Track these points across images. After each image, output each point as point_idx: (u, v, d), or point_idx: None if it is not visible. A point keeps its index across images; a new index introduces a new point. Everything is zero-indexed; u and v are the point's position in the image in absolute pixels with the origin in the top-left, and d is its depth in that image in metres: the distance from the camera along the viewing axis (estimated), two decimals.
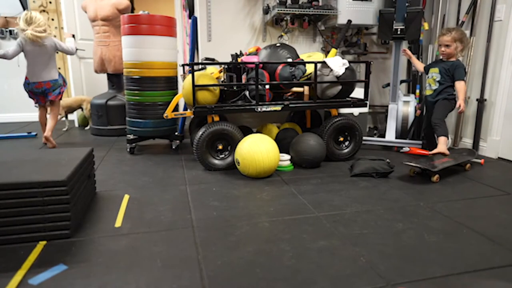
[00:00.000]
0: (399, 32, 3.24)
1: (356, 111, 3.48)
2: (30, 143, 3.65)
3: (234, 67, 2.81)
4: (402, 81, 3.66)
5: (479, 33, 3.24)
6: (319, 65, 2.83)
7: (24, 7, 4.82)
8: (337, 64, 2.80)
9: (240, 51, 3.17)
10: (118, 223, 1.79)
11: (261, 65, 2.71)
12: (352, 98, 3.04)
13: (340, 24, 3.58)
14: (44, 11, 4.94)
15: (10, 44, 4.90)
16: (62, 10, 4.41)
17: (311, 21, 3.78)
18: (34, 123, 4.74)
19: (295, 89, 2.97)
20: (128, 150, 3.20)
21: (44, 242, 1.58)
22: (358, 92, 3.23)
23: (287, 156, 2.73)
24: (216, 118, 2.74)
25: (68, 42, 3.68)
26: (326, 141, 2.85)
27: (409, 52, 3.19)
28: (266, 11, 3.65)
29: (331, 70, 2.79)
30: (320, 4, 3.70)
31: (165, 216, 1.87)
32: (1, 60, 4.92)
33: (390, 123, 3.44)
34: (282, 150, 2.90)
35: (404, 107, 3.50)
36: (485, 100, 3.21)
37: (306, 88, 2.94)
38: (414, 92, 3.74)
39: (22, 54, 3.27)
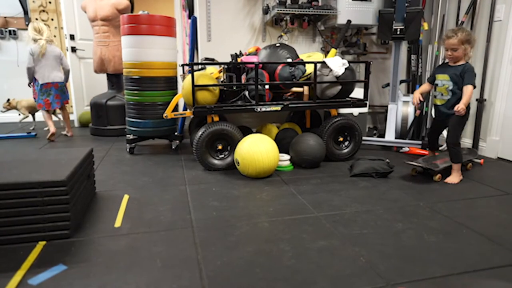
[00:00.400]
0: (398, 32, 3.24)
1: (355, 111, 3.48)
2: (30, 143, 3.65)
3: (234, 67, 2.81)
4: (401, 81, 3.66)
5: (478, 33, 3.24)
6: (318, 65, 2.83)
7: (24, 7, 4.81)
8: (337, 64, 2.80)
9: (240, 51, 3.17)
10: (118, 223, 1.79)
11: (260, 65, 2.71)
12: (351, 98, 3.04)
13: (339, 24, 3.58)
14: (43, 11, 4.94)
15: (10, 44, 4.90)
16: (61, 10, 4.42)
17: (311, 21, 3.78)
18: (34, 123, 4.74)
19: (294, 89, 2.97)
20: (128, 150, 3.20)
21: (43, 242, 1.58)
22: (357, 92, 3.23)
23: (286, 156, 2.73)
24: (216, 118, 2.74)
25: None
26: (326, 141, 2.85)
27: (414, 98, 2.64)
28: (266, 11, 3.65)
29: (331, 70, 2.80)
30: (320, 4, 3.70)
31: (165, 216, 1.87)
32: (0, 60, 4.93)
33: (389, 123, 3.44)
34: (281, 150, 2.90)
35: (404, 107, 3.50)
36: (485, 100, 3.21)
37: (306, 88, 2.94)
38: (413, 92, 3.74)
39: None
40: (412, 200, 2.12)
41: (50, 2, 4.93)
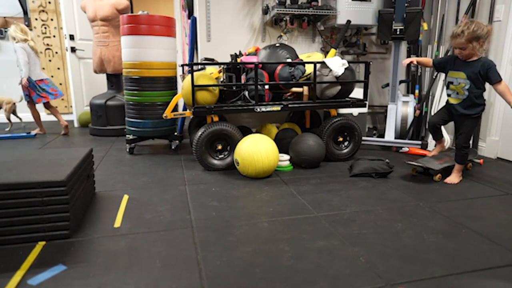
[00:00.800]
0: (398, 33, 3.24)
1: (355, 111, 3.48)
2: (30, 143, 3.65)
3: (234, 67, 2.81)
4: (401, 81, 3.66)
5: None
6: (318, 65, 2.83)
7: (23, 7, 4.81)
8: (337, 64, 2.80)
9: (240, 51, 3.17)
10: (117, 223, 1.79)
11: (260, 65, 2.71)
12: (351, 98, 3.04)
13: (339, 24, 3.58)
14: (43, 11, 4.94)
15: (9, 44, 4.89)
16: (61, 10, 4.41)
17: (311, 21, 3.78)
18: (33, 123, 4.73)
19: (294, 89, 2.97)
20: (128, 150, 3.20)
21: (43, 243, 1.58)
22: (357, 92, 3.24)
23: (286, 156, 2.73)
24: (216, 118, 2.73)
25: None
26: (326, 141, 2.85)
27: (409, 59, 2.56)
28: (266, 11, 3.65)
29: (331, 70, 2.80)
30: (319, 4, 3.71)
31: (164, 216, 1.87)
32: (0, 61, 4.93)
33: (389, 123, 3.44)
34: (281, 150, 2.90)
35: (403, 107, 3.50)
36: (484, 100, 3.20)
37: (306, 88, 2.94)
38: (413, 92, 3.74)
39: (17, 56, 3.83)
40: (411, 200, 2.12)
41: (49, 2, 4.93)
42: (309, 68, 2.90)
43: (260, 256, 1.48)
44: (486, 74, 2.22)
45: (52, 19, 5.00)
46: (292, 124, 3.25)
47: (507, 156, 3.05)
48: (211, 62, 3.06)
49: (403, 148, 3.32)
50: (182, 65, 3.40)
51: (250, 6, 3.73)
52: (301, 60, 2.90)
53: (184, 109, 3.52)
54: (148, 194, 2.19)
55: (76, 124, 4.71)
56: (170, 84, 3.16)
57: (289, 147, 2.82)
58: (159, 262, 1.44)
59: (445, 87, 2.48)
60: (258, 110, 2.70)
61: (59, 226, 1.59)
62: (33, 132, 4.05)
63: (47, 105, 4.12)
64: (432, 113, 3.52)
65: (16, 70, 4.93)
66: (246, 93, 2.77)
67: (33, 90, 3.88)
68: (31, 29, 4.92)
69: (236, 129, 2.67)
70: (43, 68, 5.06)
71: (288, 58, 2.82)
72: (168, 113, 2.88)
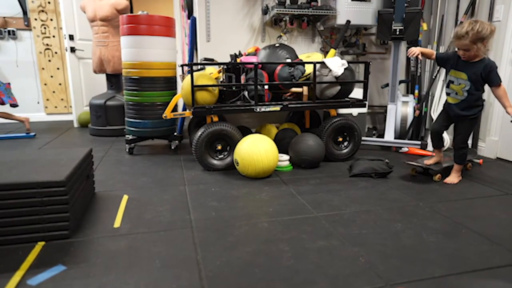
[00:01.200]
0: (398, 33, 3.24)
1: (355, 111, 3.48)
2: (30, 143, 3.65)
3: (233, 68, 2.81)
4: (401, 82, 3.66)
5: None
6: (318, 66, 2.83)
7: (23, 7, 4.81)
8: (336, 64, 2.80)
9: (239, 52, 3.17)
10: (117, 223, 1.79)
11: (260, 65, 2.71)
12: (351, 98, 3.04)
13: (339, 25, 3.58)
14: (42, 11, 4.94)
15: (9, 44, 4.89)
16: (60, 10, 4.41)
17: (310, 21, 3.78)
18: (34, 123, 4.73)
19: (294, 89, 2.97)
20: (127, 150, 3.20)
21: (43, 243, 1.57)
22: (357, 93, 3.24)
23: (286, 157, 2.73)
24: (215, 119, 2.73)
25: None
26: (325, 141, 2.85)
27: (414, 49, 2.41)
28: (265, 11, 3.65)
29: (330, 70, 2.80)
30: (319, 4, 3.71)
31: (164, 216, 1.87)
32: (0, 61, 4.92)
33: (389, 123, 3.44)
34: (281, 150, 2.90)
35: (403, 107, 3.50)
36: (484, 100, 3.20)
37: (305, 88, 2.94)
38: (413, 93, 3.74)
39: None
40: (411, 200, 2.12)
41: (49, 2, 4.92)
42: (308, 68, 2.90)
43: (260, 256, 1.48)
44: (488, 76, 2.21)
45: (51, 19, 4.99)
46: (292, 124, 3.25)
47: (507, 156, 3.05)
48: (211, 62, 3.06)
49: (402, 148, 3.32)
50: (182, 65, 3.40)
51: (250, 6, 3.73)
52: (301, 60, 2.90)
53: (184, 109, 3.52)
54: (148, 194, 2.19)
55: (75, 124, 4.70)
56: (169, 84, 3.16)
57: (288, 147, 2.82)
58: (159, 262, 1.44)
59: (445, 86, 2.47)
60: (258, 110, 2.70)
61: (58, 226, 1.59)
62: (32, 133, 4.04)
63: None
64: (432, 113, 3.53)
65: (16, 70, 4.95)
66: (246, 93, 2.77)
67: (4, 93, 3.99)
68: (30, 29, 4.92)
69: (235, 129, 2.66)
70: (43, 68, 5.06)
71: (287, 58, 2.82)
72: (167, 113, 2.88)
